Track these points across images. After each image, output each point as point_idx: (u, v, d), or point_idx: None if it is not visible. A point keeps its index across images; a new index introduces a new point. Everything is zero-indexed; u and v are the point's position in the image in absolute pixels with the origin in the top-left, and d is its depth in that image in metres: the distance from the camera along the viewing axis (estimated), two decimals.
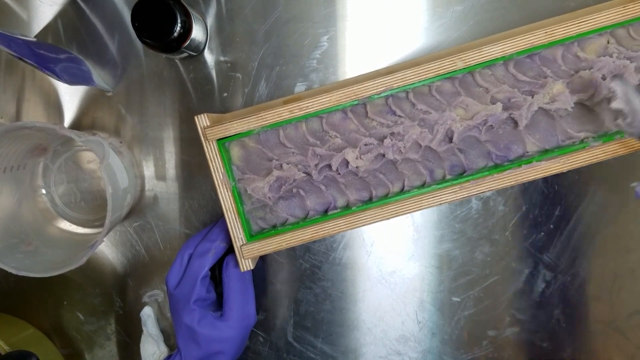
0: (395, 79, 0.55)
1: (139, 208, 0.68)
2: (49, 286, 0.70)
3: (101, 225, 0.68)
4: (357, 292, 0.68)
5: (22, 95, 0.68)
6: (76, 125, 0.67)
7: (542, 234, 0.66)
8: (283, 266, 0.68)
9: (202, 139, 0.57)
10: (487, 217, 0.66)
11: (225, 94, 0.66)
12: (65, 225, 0.69)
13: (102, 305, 0.71)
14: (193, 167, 0.67)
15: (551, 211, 0.66)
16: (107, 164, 0.58)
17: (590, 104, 0.57)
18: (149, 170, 0.68)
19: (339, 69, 0.65)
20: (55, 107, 0.67)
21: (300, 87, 0.65)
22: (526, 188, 0.65)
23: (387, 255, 0.68)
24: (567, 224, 0.66)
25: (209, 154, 0.57)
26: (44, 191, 0.69)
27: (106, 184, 0.56)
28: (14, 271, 0.58)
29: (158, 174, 0.68)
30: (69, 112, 0.67)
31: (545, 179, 0.65)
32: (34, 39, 0.59)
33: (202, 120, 0.57)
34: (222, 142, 0.58)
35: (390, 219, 0.57)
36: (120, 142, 0.67)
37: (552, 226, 0.66)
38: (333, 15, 0.64)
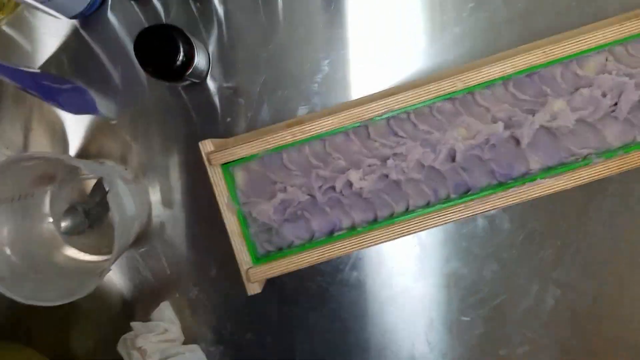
0: (396, 101, 0.56)
1: (145, 234, 0.69)
2: (57, 314, 0.70)
3: (109, 253, 0.68)
4: (366, 314, 0.68)
5: (28, 125, 0.68)
6: (82, 153, 0.68)
7: (550, 250, 0.66)
8: (290, 288, 0.68)
9: (207, 164, 0.57)
10: (494, 235, 0.66)
11: (228, 119, 0.66)
12: (73, 252, 0.69)
13: (111, 333, 0.70)
14: (198, 193, 0.67)
15: (558, 227, 0.65)
16: (114, 192, 0.58)
17: (592, 121, 0.57)
18: (155, 196, 0.68)
19: (340, 92, 0.65)
20: (61, 136, 0.68)
21: (302, 111, 0.65)
22: (532, 205, 0.65)
23: (394, 275, 0.68)
24: (574, 240, 0.65)
25: (213, 179, 0.58)
26: (50, 219, 0.69)
27: (113, 213, 0.57)
28: (22, 300, 0.58)
29: (164, 200, 0.68)
30: (75, 141, 0.68)
31: (551, 195, 0.65)
32: (38, 70, 0.60)
33: (206, 146, 0.57)
34: (227, 166, 0.59)
35: (396, 239, 0.57)
36: (126, 169, 0.67)
37: (559, 242, 0.66)
38: (333, 40, 0.65)
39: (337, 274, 0.68)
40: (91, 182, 0.68)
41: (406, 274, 0.67)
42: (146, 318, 0.70)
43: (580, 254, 0.65)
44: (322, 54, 0.65)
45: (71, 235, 0.69)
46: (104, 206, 0.67)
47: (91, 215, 0.68)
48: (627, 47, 0.56)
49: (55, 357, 0.72)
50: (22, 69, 0.56)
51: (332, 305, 0.68)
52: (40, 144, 0.69)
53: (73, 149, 0.68)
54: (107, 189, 0.58)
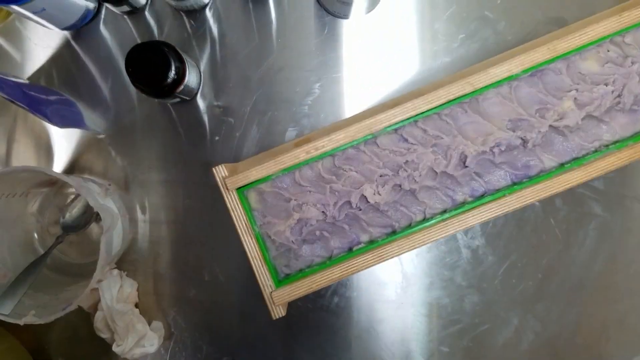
0: (408, 109, 0.56)
1: (125, 252, 0.67)
2: None
3: (82, 274, 0.67)
4: (345, 341, 0.67)
5: (12, 136, 0.67)
6: (66, 166, 0.67)
7: (531, 283, 0.66)
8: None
9: (223, 189, 0.56)
10: (476, 266, 0.66)
11: (217, 138, 0.66)
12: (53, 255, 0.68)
13: (92, 347, 0.69)
14: (180, 211, 0.67)
15: (539, 261, 0.66)
16: (109, 234, 0.58)
17: (599, 114, 0.57)
18: (136, 212, 0.67)
19: (330, 115, 0.65)
20: (45, 148, 0.67)
21: (291, 133, 0.66)
22: (514, 238, 0.65)
23: (376, 302, 0.67)
24: (555, 274, 0.66)
25: (230, 204, 0.57)
26: (35, 221, 0.68)
27: (100, 255, 0.56)
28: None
29: (146, 218, 0.67)
30: (60, 154, 0.67)
31: (534, 229, 0.65)
32: (26, 81, 0.59)
33: (221, 171, 0.57)
34: (241, 190, 0.58)
35: (417, 248, 0.57)
36: (109, 184, 0.66)
37: (540, 275, 0.66)
38: (325, 64, 0.65)
39: (318, 299, 0.67)
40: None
41: (388, 302, 0.67)
42: None
43: (561, 288, 0.66)
44: (314, 77, 0.65)
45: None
46: (87, 218, 0.67)
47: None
48: (625, 37, 0.57)
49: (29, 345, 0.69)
50: (8, 78, 0.55)
51: (311, 331, 0.67)
52: (25, 156, 0.68)
53: (57, 162, 0.67)
54: (104, 231, 0.58)
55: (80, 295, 0.57)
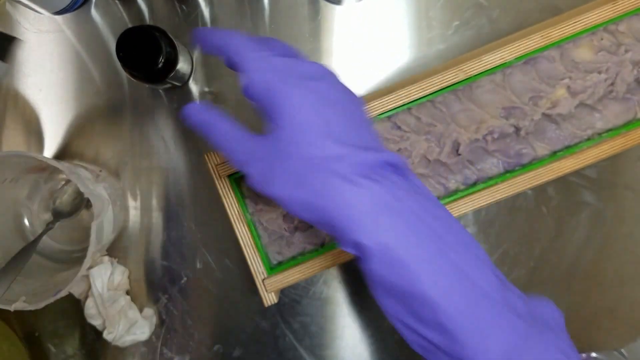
0: (400, 96, 0.56)
1: (116, 239, 0.67)
2: None
3: (73, 261, 0.66)
4: (337, 329, 0.67)
5: (2, 121, 0.67)
6: (57, 152, 0.67)
7: (523, 271, 0.66)
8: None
9: (215, 176, 0.56)
10: None
11: None
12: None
13: (83, 334, 0.68)
14: (172, 198, 0.66)
15: (531, 249, 0.66)
16: (100, 222, 0.57)
17: (592, 103, 0.57)
18: (128, 200, 0.67)
19: None
20: (36, 134, 0.67)
21: None
22: (506, 226, 0.65)
23: (367, 290, 0.67)
24: (547, 262, 0.66)
25: (222, 191, 0.57)
26: (25, 207, 0.67)
27: (91, 242, 0.56)
28: None
29: (137, 204, 0.67)
30: (50, 139, 0.67)
31: (527, 217, 0.65)
32: None
33: (213, 158, 0.56)
34: (233, 177, 0.58)
35: None
36: (100, 171, 0.66)
37: (532, 264, 0.66)
38: (318, 50, 0.65)
39: (310, 287, 0.67)
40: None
41: None
42: None
43: (553, 276, 0.66)
44: None
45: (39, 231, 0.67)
46: (77, 204, 0.66)
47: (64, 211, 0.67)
48: (618, 26, 0.57)
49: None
50: None
51: (303, 318, 0.67)
52: (15, 141, 0.67)
53: (48, 148, 0.67)
54: (95, 217, 0.57)
55: (71, 282, 0.57)
